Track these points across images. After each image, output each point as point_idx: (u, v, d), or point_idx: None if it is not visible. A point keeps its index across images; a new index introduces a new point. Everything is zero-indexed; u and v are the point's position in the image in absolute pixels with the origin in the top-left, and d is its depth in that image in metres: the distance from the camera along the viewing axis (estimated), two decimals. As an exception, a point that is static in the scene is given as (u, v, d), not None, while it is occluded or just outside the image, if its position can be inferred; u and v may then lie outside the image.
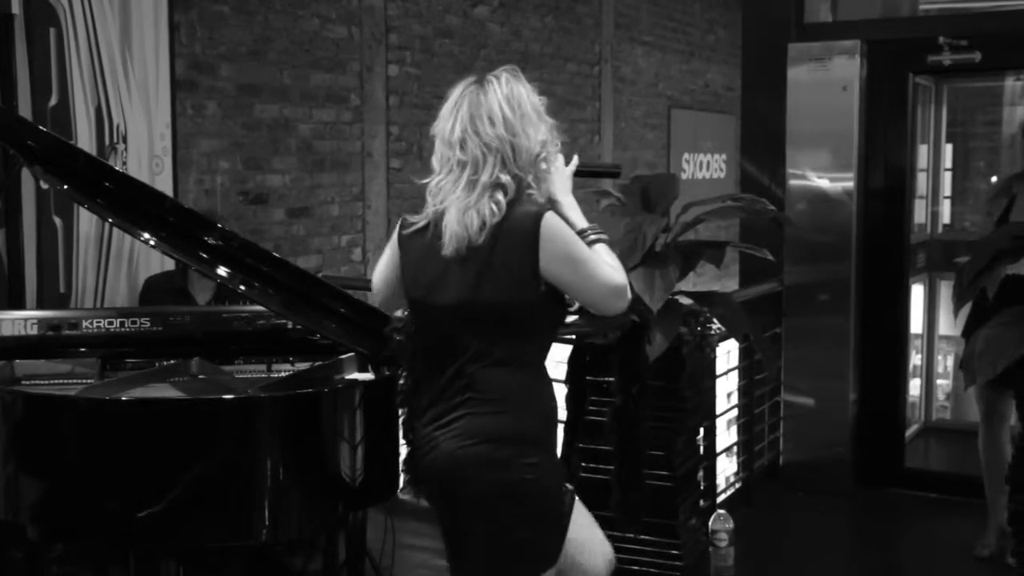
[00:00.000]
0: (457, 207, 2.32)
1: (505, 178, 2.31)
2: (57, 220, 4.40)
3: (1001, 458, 4.19)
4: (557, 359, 3.93)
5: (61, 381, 3.18)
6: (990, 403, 4.28)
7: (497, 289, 2.32)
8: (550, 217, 2.30)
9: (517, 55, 7.81)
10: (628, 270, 2.54)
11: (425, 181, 2.43)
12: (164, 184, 4.77)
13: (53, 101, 4.37)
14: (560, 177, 2.44)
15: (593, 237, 2.37)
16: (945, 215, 6.18)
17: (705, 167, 10.75)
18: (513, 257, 2.30)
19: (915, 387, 5.86)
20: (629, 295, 2.36)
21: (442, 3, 7.11)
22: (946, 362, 6.04)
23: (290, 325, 3.35)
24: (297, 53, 5.94)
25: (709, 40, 10.90)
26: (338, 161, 6.29)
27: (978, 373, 3.71)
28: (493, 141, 2.32)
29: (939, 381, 6.07)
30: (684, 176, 10.16)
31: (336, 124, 6.26)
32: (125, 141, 4.65)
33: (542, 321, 2.41)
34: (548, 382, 2.45)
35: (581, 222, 2.40)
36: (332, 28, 6.18)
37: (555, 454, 2.52)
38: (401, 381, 2.95)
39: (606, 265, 2.34)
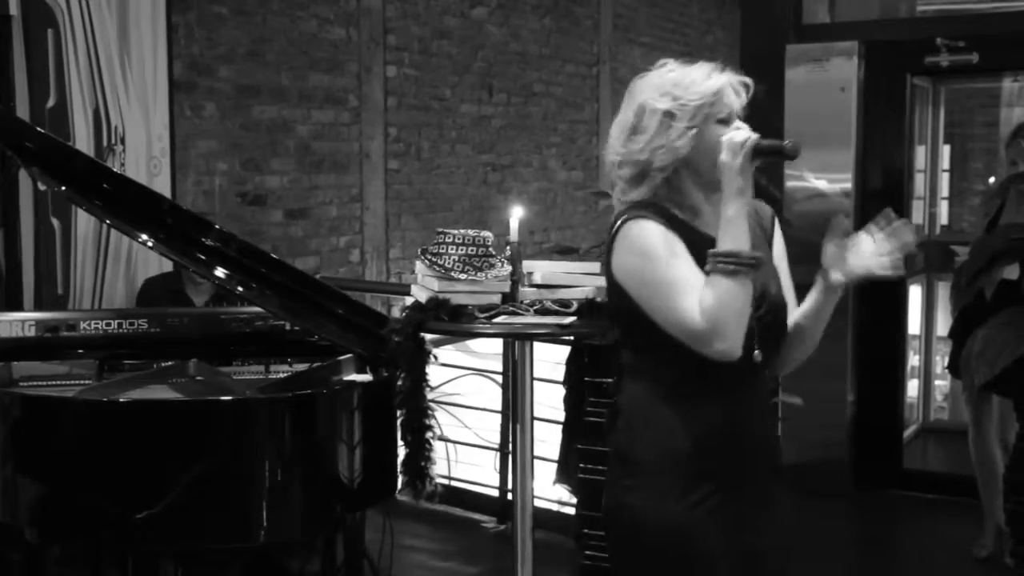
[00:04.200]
0: None
1: (616, 183, 2.15)
2: (55, 221, 4.40)
3: (992, 460, 4.20)
4: (555, 360, 3.94)
5: (59, 382, 3.17)
6: (978, 407, 4.28)
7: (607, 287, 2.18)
8: (631, 225, 2.04)
9: (515, 56, 7.82)
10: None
11: None
12: (162, 185, 4.77)
13: (51, 102, 4.37)
14: (727, 175, 2.01)
15: (720, 266, 1.96)
16: (943, 216, 6.17)
17: (703, 168, 10.76)
18: (604, 258, 2.16)
19: (913, 388, 5.86)
20: (719, 344, 1.95)
21: (440, 4, 7.12)
22: (944, 363, 6.03)
23: (288, 326, 3.35)
24: (295, 54, 5.94)
25: (707, 41, 10.90)
26: (336, 162, 6.29)
27: (976, 373, 3.72)
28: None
29: (937, 382, 6.07)
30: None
31: (334, 125, 6.26)
32: (123, 142, 4.65)
33: (640, 324, 2.05)
34: (675, 400, 2.08)
35: (725, 242, 1.98)
36: (330, 29, 6.18)
37: (669, 484, 2.10)
38: (400, 382, 2.96)
39: (683, 302, 1.95)
